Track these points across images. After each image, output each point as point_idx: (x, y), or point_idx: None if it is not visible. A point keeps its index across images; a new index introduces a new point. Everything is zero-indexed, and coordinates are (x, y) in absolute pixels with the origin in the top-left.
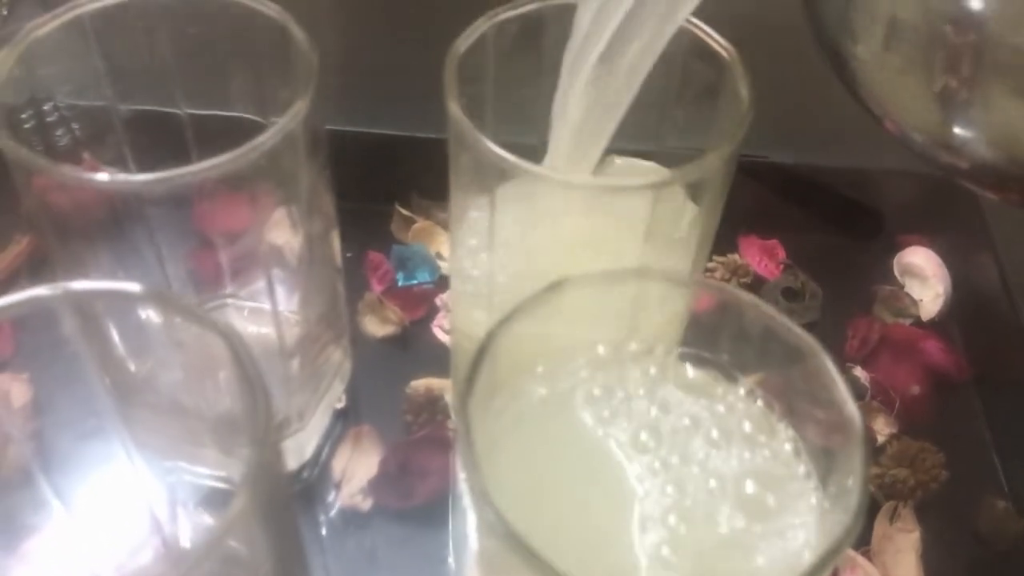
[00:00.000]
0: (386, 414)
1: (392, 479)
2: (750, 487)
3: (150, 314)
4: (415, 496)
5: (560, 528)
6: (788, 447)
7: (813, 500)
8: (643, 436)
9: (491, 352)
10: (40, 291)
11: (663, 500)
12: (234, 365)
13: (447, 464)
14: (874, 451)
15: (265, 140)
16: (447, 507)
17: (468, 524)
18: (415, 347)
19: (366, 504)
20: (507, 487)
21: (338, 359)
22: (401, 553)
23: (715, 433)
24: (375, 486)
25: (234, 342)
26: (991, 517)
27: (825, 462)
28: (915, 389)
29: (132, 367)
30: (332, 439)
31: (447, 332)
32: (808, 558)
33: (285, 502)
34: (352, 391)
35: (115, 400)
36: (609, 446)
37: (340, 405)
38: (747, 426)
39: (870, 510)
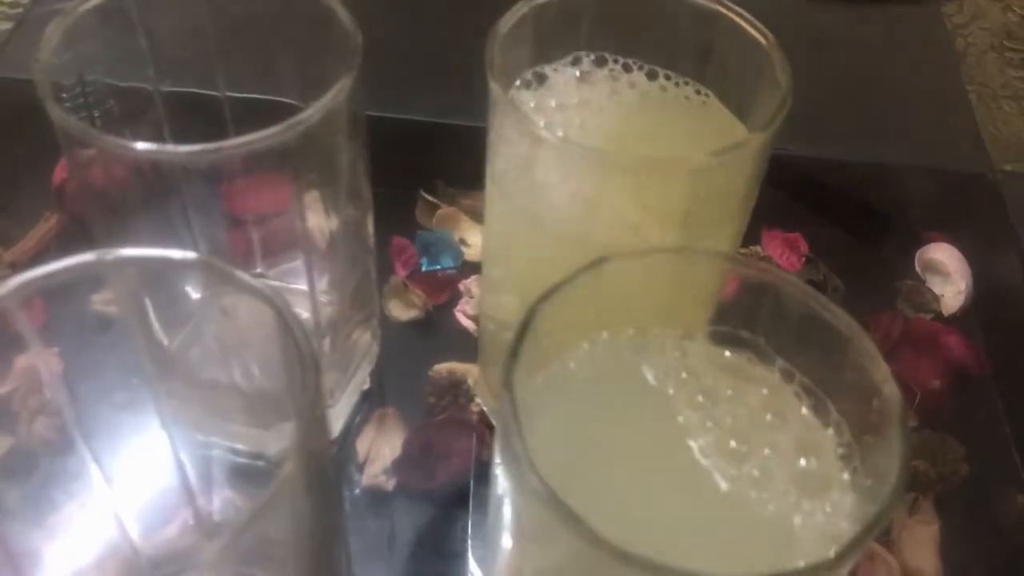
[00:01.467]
0: (410, 396)
1: (415, 460)
2: (789, 463)
3: (197, 282)
4: (437, 477)
5: (604, 499)
6: (824, 427)
7: (848, 478)
8: (684, 414)
9: (534, 325)
10: (88, 257)
11: (695, 465)
12: (281, 332)
13: (469, 446)
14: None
15: (310, 116)
16: (468, 488)
17: (502, 505)
18: (438, 331)
19: (389, 484)
20: (550, 460)
21: (367, 340)
22: (423, 532)
23: (755, 412)
24: (398, 467)
25: (282, 309)
26: (1011, 511)
27: (862, 443)
28: (936, 383)
29: (174, 338)
30: (358, 420)
31: (470, 317)
32: (844, 534)
33: (328, 472)
34: (376, 373)
35: (153, 373)
36: (651, 423)
37: (366, 387)
38: (784, 405)
39: None
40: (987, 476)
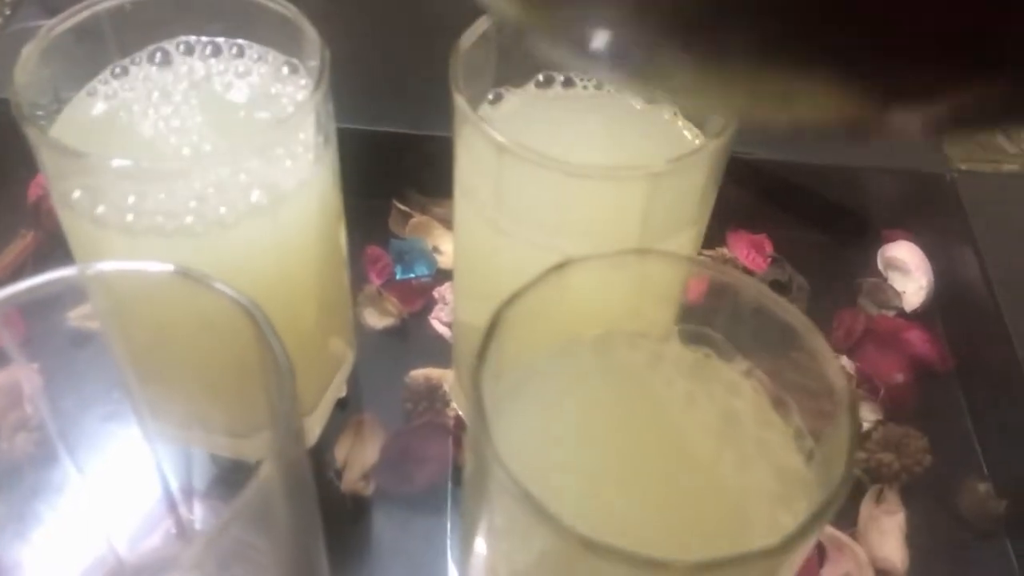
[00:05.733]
0: (386, 403)
1: (394, 465)
2: (748, 455)
3: (175, 293)
4: (416, 481)
5: (571, 492)
6: (781, 420)
7: (805, 468)
8: (647, 410)
9: (500, 329)
10: (69, 271)
11: (659, 459)
12: (258, 340)
13: (447, 450)
14: (860, 437)
15: (279, 132)
16: (446, 492)
17: (474, 505)
18: (414, 338)
19: (368, 489)
20: (517, 457)
21: (342, 348)
22: (402, 536)
23: (716, 407)
24: (377, 472)
25: (258, 317)
26: (972, 499)
27: (817, 434)
28: (899, 378)
29: (154, 350)
30: (335, 427)
31: (445, 324)
32: (798, 518)
33: (305, 478)
34: (353, 381)
35: (134, 383)
36: (616, 419)
37: (342, 394)
38: (743, 399)
39: (856, 493)
40: (950, 466)
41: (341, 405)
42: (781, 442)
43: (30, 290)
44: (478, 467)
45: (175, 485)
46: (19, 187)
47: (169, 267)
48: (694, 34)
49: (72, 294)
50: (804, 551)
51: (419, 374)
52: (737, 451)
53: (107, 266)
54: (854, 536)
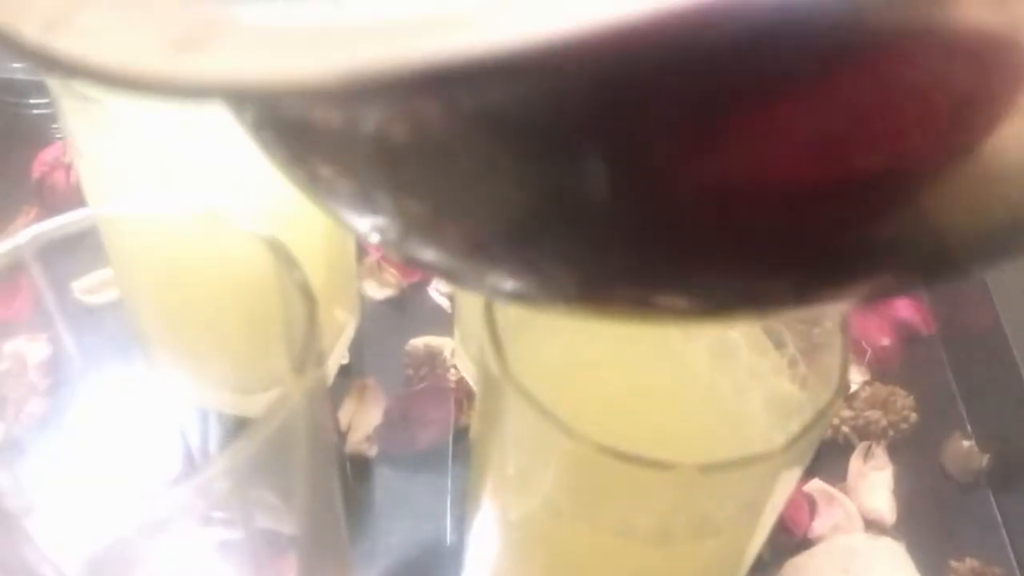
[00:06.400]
0: (388, 369)
1: (396, 427)
2: (746, 378)
3: (200, 233)
4: (418, 442)
5: (578, 414)
6: (776, 348)
7: (797, 392)
8: (644, 339)
9: None
10: (86, 212)
11: (661, 386)
12: (280, 271)
13: (448, 412)
14: (848, 397)
15: None
16: (447, 452)
17: (489, 435)
18: (413, 308)
19: (372, 450)
20: (529, 382)
21: (344, 315)
22: (405, 494)
23: (712, 337)
24: (380, 434)
25: (280, 250)
26: (956, 454)
27: (809, 360)
28: (885, 341)
29: (171, 294)
30: (338, 392)
31: (443, 295)
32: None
33: (323, 412)
34: (355, 348)
35: (147, 339)
36: (618, 350)
37: (344, 361)
38: (739, 329)
39: (846, 450)
40: (934, 423)
41: (344, 372)
42: (776, 369)
43: (59, 227)
44: (490, 394)
45: (193, 445)
46: (23, 164)
47: (194, 208)
48: None
49: (82, 257)
50: (798, 465)
51: (419, 342)
52: (733, 378)
53: (130, 208)
54: (844, 490)
